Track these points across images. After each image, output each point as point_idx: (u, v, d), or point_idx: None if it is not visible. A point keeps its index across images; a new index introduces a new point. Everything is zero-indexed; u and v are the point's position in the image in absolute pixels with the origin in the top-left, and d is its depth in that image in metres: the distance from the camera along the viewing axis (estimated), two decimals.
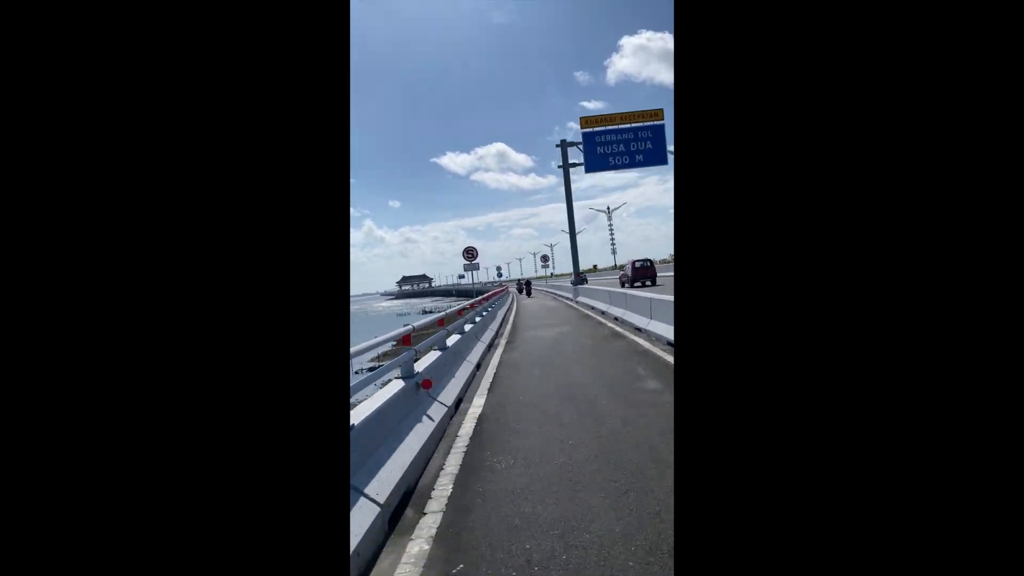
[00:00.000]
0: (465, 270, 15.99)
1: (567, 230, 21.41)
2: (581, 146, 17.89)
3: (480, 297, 11.08)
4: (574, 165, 18.71)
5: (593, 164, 17.80)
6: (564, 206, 20.65)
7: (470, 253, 15.78)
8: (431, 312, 8.33)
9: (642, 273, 21.34)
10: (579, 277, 21.36)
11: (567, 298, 19.93)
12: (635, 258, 22.76)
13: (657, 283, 19.98)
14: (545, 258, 38.48)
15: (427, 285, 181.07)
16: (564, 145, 18.84)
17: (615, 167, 17.99)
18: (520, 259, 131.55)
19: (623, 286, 18.88)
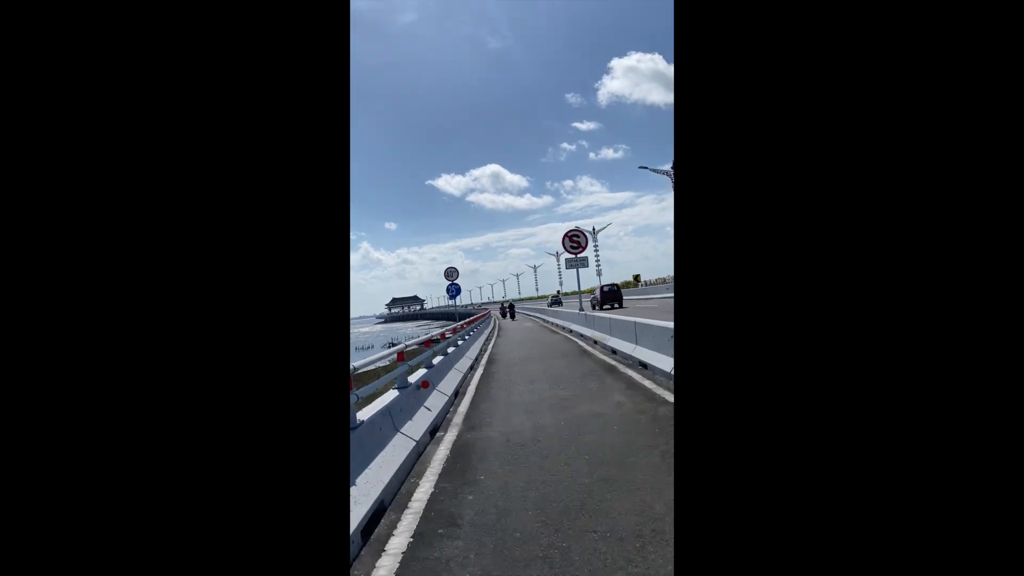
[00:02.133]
0: (448, 292, 16.23)
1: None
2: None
3: (453, 325, 11.79)
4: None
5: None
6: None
7: (450, 274, 15.90)
8: (395, 344, 6.28)
9: (609, 297, 23.87)
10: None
11: (542, 319, 22.15)
12: (603, 283, 25.67)
13: (624, 306, 21.98)
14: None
15: (419, 307, 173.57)
16: None
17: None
18: (518, 275, 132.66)
19: (593, 308, 20.92)
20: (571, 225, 21.63)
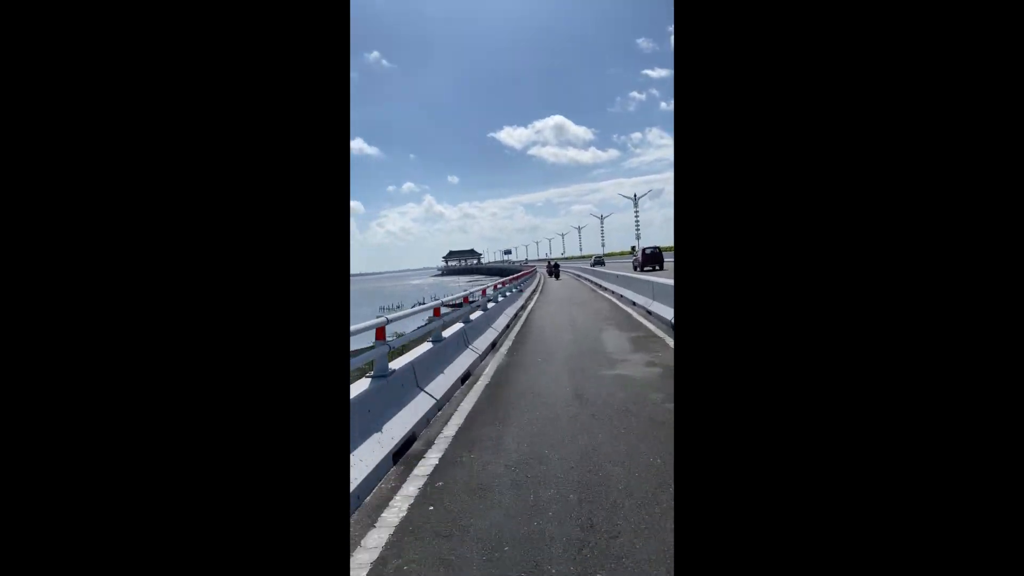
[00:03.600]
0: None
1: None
2: None
3: (497, 281, 13.02)
4: None
5: None
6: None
7: None
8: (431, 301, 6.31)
9: (651, 259, 24.20)
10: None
11: (586, 278, 22.84)
12: (645, 246, 25.84)
13: (664, 268, 22.49)
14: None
15: (475, 261, 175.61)
16: None
17: None
18: (580, 228, 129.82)
19: (635, 270, 21.33)
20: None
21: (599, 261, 43.05)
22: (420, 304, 5.66)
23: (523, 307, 12.59)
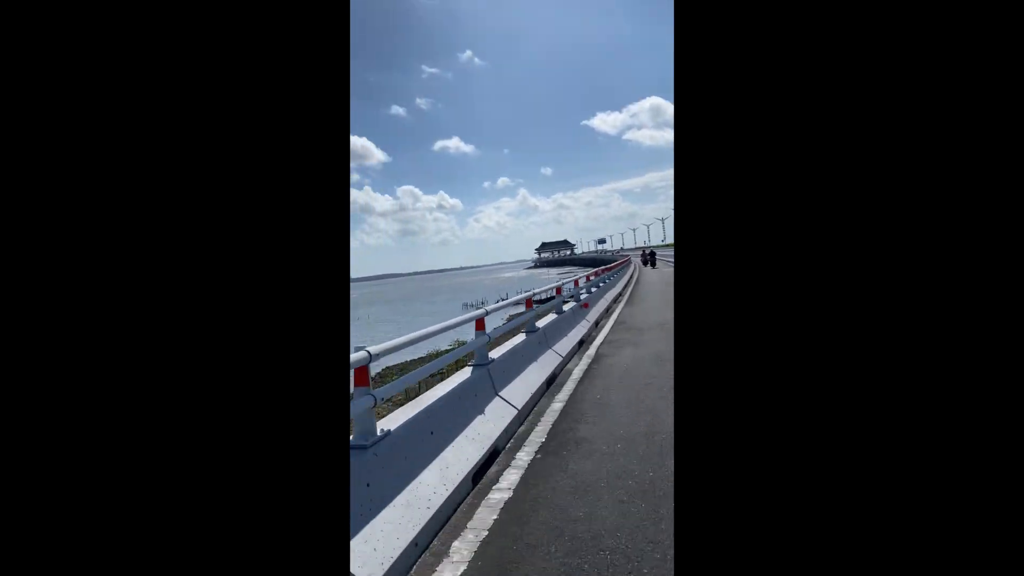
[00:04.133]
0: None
1: None
2: None
3: (588, 272, 12.38)
4: None
5: None
6: None
7: None
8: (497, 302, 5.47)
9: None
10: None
11: None
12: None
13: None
14: None
15: (568, 252, 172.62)
16: None
17: None
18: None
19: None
20: None
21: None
22: (502, 300, 5.93)
23: (606, 310, 10.60)
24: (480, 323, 4.24)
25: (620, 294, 13.64)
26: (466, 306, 33.41)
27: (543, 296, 8.33)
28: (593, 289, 10.82)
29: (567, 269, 76.32)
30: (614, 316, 9.71)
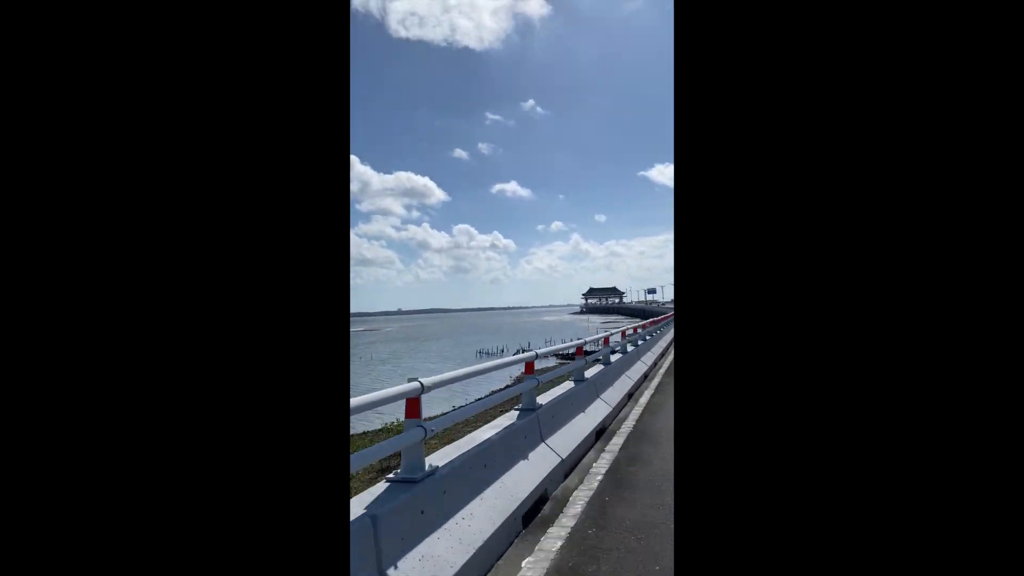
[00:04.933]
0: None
1: None
2: None
3: (635, 324, 11.19)
4: None
5: None
6: None
7: None
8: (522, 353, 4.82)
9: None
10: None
11: None
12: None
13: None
14: None
15: (617, 300, 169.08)
16: None
17: None
18: None
19: None
20: None
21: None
22: (522, 351, 5.62)
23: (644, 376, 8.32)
24: (529, 366, 4.14)
25: (646, 376, 8.66)
26: (479, 354, 33.41)
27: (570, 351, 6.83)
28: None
29: (612, 318, 73.79)
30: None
